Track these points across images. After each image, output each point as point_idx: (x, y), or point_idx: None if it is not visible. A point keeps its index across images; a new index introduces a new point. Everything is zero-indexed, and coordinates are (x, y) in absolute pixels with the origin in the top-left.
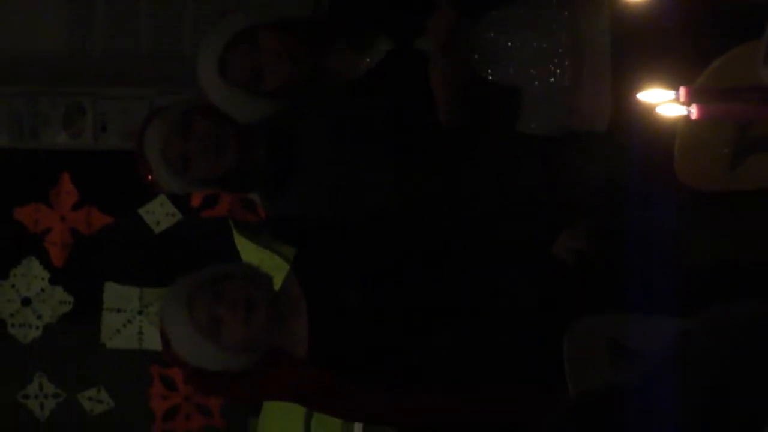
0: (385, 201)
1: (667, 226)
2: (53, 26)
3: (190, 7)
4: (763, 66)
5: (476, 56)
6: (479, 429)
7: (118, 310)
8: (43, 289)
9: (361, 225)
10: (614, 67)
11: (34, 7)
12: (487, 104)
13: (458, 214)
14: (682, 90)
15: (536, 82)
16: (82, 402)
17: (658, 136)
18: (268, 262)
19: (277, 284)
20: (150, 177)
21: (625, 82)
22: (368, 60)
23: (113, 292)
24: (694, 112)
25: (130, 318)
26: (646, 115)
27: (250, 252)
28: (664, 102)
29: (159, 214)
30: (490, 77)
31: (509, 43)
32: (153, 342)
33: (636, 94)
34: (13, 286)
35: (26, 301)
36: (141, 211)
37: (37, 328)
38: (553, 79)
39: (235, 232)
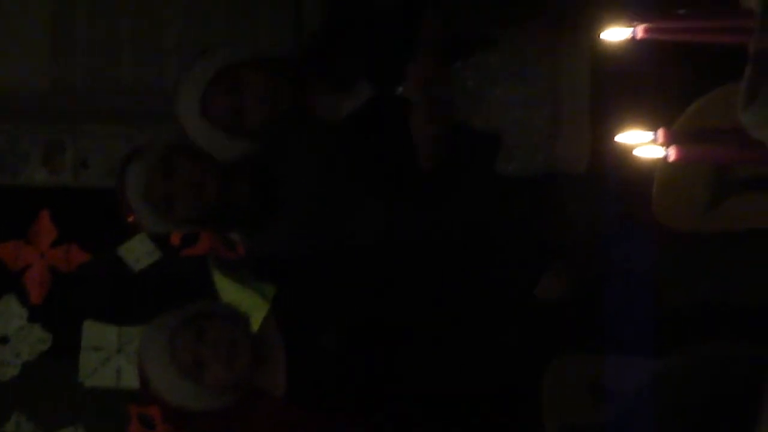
0: (366, 241)
1: (645, 267)
2: (34, 62)
3: (171, 44)
4: (741, 110)
5: (455, 102)
6: None
7: (96, 349)
8: (21, 327)
9: (342, 265)
10: (593, 109)
11: (15, 44)
12: (467, 148)
13: (440, 254)
14: (660, 132)
15: (515, 127)
16: None
17: (636, 178)
18: (247, 301)
19: (256, 323)
20: (131, 217)
21: (604, 123)
22: (349, 103)
23: (91, 331)
24: (672, 153)
25: (108, 356)
26: (624, 156)
27: (229, 291)
28: (642, 144)
29: (138, 252)
30: (469, 122)
31: (488, 90)
32: (131, 380)
33: (615, 136)
34: None
35: (4, 339)
36: (120, 249)
37: (15, 366)
38: (532, 124)
39: (214, 271)
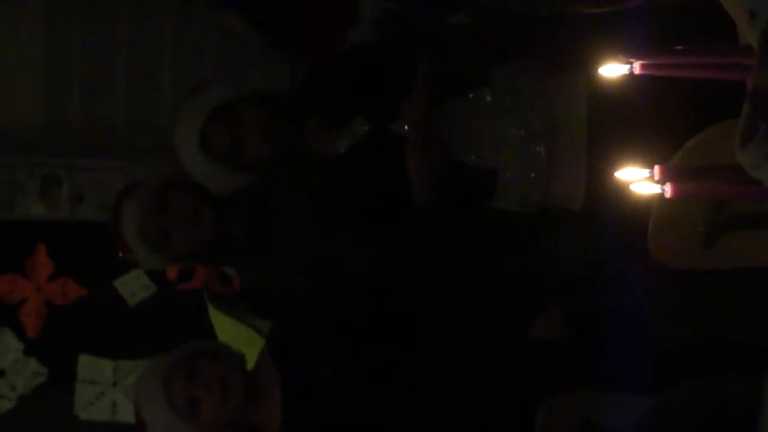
0: (360, 277)
1: (641, 304)
2: (30, 97)
3: (167, 80)
4: (738, 149)
5: (450, 139)
6: None
7: (92, 382)
8: (17, 360)
9: (336, 301)
10: (590, 145)
11: (11, 79)
12: (462, 184)
13: (435, 290)
14: (656, 168)
15: (511, 164)
16: None
17: (632, 215)
18: (242, 336)
19: (252, 360)
20: (127, 253)
21: (600, 160)
22: (345, 140)
23: (87, 364)
24: (668, 190)
25: (104, 390)
26: (620, 193)
27: (224, 326)
28: (638, 180)
29: (134, 287)
30: (464, 160)
31: (483, 127)
32: (126, 414)
33: (611, 172)
34: None
35: (0, 373)
36: (116, 283)
37: (11, 399)
38: (528, 161)
39: (209, 306)
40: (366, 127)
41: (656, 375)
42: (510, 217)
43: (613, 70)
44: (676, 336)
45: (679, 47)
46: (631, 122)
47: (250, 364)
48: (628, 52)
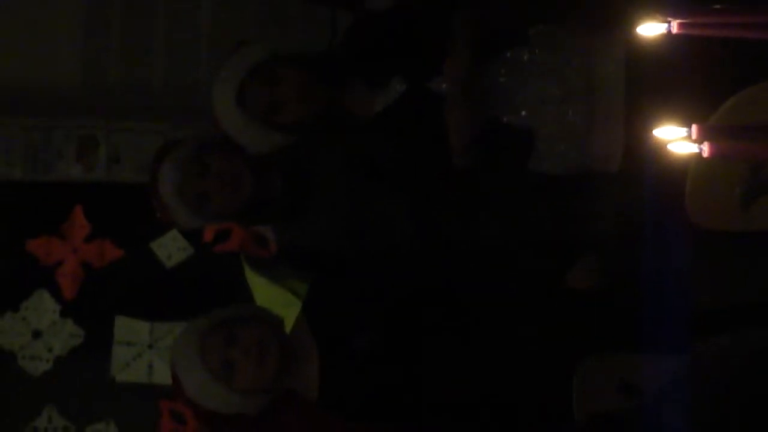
0: (398, 237)
1: (678, 264)
2: (67, 59)
3: (205, 40)
4: None
5: (489, 99)
6: None
7: (129, 344)
8: (53, 322)
9: (375, 260)
10: (627, 105)
11: (49, 40)
12: (500, 145)
13: (471, 251)
14: (694, 127)
15: (549, 125)
16: None
17: (670, 175)
18: (279, 298)
19: (289, 324)
20: (164, 214)
21: (638, 120)
22: (383, 99)
23: (124, 326)
24: (705, 150)
25: (140, 352)
26: (658, 152)
27: (261, 288)
28: (676, 139)
29: (171, 248)
30: (504, 119)
31: (522, 87)
32: (162, 376)
33: (649, 131)
34: (24, 318)
35: (37, 334)
36: (152, 245)
37: (48, 360)
38: (566, 122)
39: (246, 268)
40: (405, 86)
41: (693, 334)
42: (548, 178)
43: (651, 29)
44: (712, 296)
45: (718, 6)
46: (669, 81)
47: (288, 327)
48: (666, 10)
